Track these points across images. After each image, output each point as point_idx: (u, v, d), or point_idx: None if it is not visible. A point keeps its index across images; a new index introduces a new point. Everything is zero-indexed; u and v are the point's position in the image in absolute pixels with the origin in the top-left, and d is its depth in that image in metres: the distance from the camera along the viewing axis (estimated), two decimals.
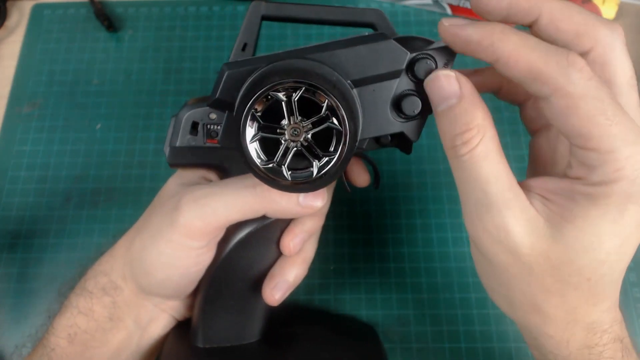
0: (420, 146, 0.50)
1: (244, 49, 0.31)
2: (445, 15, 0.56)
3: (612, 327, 0.28)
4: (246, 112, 0.26)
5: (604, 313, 0.27)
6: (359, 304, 0.44)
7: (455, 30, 0.26)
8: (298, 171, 0.28)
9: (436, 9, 0.56)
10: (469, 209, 0.27)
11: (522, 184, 0.27)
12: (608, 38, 0.26)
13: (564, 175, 0.26)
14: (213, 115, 0.31)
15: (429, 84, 0.28)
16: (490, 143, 0.26)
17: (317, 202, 0.31)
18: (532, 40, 0.25)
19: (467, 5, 0.54)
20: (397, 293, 0.45)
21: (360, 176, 0.35)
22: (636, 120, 0.25)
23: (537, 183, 0.27)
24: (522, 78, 0.25)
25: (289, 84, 0.26)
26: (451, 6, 0.55)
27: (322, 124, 0.27)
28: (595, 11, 0.55)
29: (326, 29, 0.55)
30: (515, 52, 0.24)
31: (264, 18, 0.31)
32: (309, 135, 0.27)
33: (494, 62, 0.26)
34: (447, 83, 0.27)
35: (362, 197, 0.48)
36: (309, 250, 0.35)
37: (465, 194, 0.27)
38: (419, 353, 0.43)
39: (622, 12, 0.56)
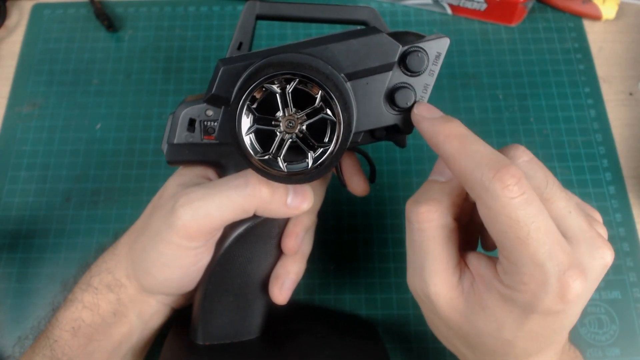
0: (420, 146, 0.50)
1: (239, 47, 0.31)
2: (445, 15, 0.56)
3: None
4: (241, 104, 0.27)
5: None
6: (359, 304, 0.44)
7: (416, 119, 0.29)
8: (294, 163, 0.28)
9: (436, 9, 0.56)
10: (411, 265, 0.30)
11: (467, 256, 0.29)
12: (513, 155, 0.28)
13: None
14: (210, 112, 0.32)
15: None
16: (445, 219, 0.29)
17: (304, 204, 0.32)
18: (473, 146, 0.27)
19: (467, 5, 0.54)
20: (397, 293, 0.45)
21: (359, 185, 0.36)
22: (566, 224, 0.27)
23: (474, 262, 0.29)
24: (458, 179, 0.27)
25: (282, 76, 0.26)
26: (451, 6, 0.55)
27: (316, 115, 0.27)
28: (596, 11, 0.55)
29: (326, 28, 0.55)
30: (452, 157, 0.27)
31: (259, 17, 0.31)
32: (304, 127, 0.27)
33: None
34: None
35: (363, 197, 0.48)
36: (307, 245, 0.36)
37: (411, 253, 0.30)
38: (419, 353, 0.43)
39: (622, 12, 0.56)
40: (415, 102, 0.30)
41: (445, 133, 0.27)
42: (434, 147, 0.28)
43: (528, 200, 0.25)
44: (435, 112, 0.29)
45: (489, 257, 0.29)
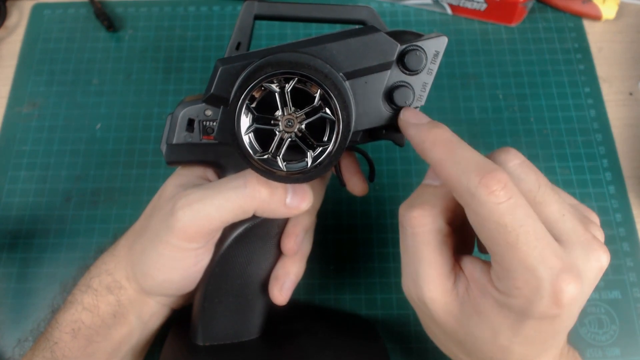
0: None
1: (237, 47, 0.31)
2: (445, 15, 0.56)
3: None
4: (240, 103, 0.27)
5: None
6: (359, 304, 0.44)
7: (403, 125, 0.29)
8: (293, 163, 0.28)
9: (436, 9, 0.56)
10: (406, 270, 0.30)
11: (462, 260, 0.29)
12: (504, 160, 0.28)
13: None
14: (209, 112, 0.32)
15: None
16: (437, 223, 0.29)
17: (303, 204, 0.32)
18: (460, 152, 0.26)
19: (467, 5, 0.54)
20: (397, 293, 0.45)
21: (358, 185, 0.36)
22: (559, 227, 0.26)
23: (469, 267, 0.29)
24: (447, 185, 0.27)
25: (281, 75, 0.26)
26: (451, 6, 0.55)
27: (315, 114, 0.27)
28: (596, 11, 0.55)
29: (326, 28, 0.55)
30: (439, 164, 0.27)
31: (257, 17, 0.31)
32: (303, 126, 0.27)
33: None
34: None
35: (362, 197, 0.48)
36: (307, 246, 0.36)
37: (405, 258, 0.30)
38: (419, 353, 0.43)
39: (622, 12, 0.56)
40: (413, 101, 0.30)
41: (432, 139, 0.27)
42: (421, 154, 0.28)
43: (515, 204, 0.25)
44: (422, 118, 0.29)
45: (484, 262, 0.28)
